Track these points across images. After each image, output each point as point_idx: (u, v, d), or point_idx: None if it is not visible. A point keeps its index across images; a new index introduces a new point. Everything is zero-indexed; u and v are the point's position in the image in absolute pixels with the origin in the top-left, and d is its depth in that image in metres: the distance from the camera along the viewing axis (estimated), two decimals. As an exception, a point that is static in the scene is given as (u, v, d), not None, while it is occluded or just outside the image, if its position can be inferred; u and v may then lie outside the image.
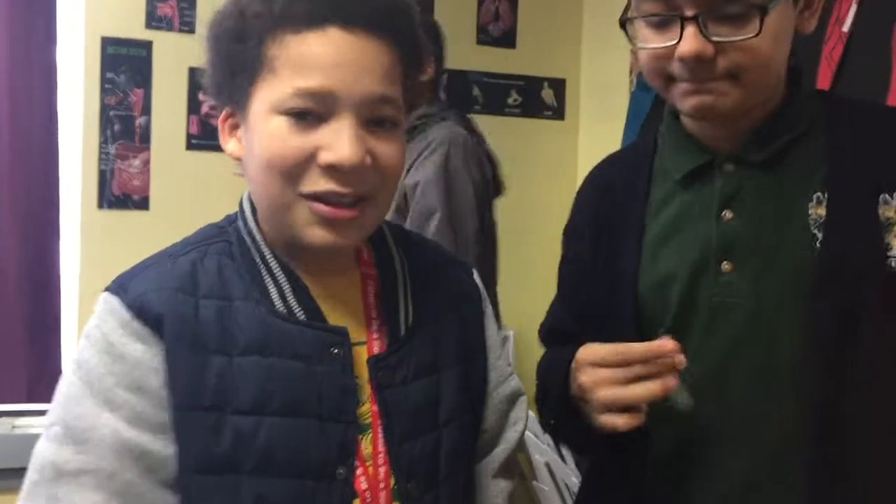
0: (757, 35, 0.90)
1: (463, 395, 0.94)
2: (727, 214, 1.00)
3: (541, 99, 3.48)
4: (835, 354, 0.92)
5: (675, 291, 1.00)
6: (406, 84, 0.89)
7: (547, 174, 3.42)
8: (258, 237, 0.89)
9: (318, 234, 0.84)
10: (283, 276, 0.87)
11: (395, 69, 0.87)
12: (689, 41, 0.92)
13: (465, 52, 3.30)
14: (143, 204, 3.04)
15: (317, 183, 0.83)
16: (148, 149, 3.05)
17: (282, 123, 0.83)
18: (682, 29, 0.92)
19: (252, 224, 0.90)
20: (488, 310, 1.03)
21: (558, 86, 3.49)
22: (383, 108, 0.85)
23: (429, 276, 0.98)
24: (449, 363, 0.94)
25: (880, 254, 0.93)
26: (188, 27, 3.06)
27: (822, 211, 0.97)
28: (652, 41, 0.96)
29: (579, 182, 1.20)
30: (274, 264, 0.88)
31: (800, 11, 0.97)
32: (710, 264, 0.99)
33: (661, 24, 0.95)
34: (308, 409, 0.83)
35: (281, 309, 0.86)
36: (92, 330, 0.84)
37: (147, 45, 3.03)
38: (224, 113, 0.90)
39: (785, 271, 0.96)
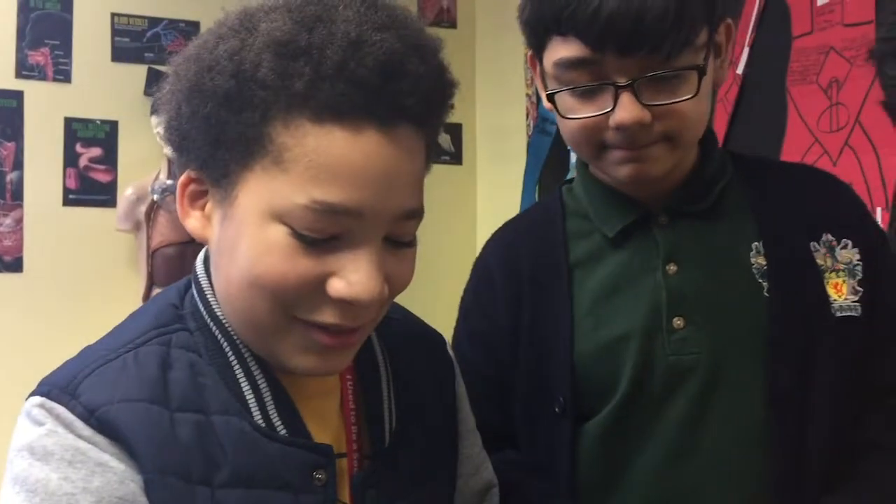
0: (694, 96, 0.88)
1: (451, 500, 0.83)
2: (672, 268, 0.96)
3: (437, 144, 3.44)
4: (795, 401, 0.91)
5: (630, 353, 0.94)
6: (428, 169, 0.74)
7: (446, 218, 3.38)
8: (230, 331, 0.72)
9: (309, 363, 0.70)
10: (262, 378, 0.72)
11: (425, 165, 0.72)
12: (626, 109, 0.87)
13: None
14: (15, 266, 2.87)
15: (321, 313, 0.67)
16: (21, 206, 2.88)
17: (285, 237, 0.65)
18: (616, 97, 0.87)
19: (219, 312, 0.72)
20: (461, 389, 0.90)
21: (455, 131, 3.47)
22: (409, 224, 0.69)
23: (407, 358, 0.84)
24: (438, 464, 0.82)
25: (824, 300, 0.93)
26: (63, 76, 2.90)
27: (762, 260, 0.95)
28: (581, 111, 0.91)
29: (479, 225, 1.13)
30: (252, 365, 0.72)
31: (713, 63, 0.95)
32: (661, 322, 0.94)
33: (589, 93, 0.90)
34: None
35: (260, 421, 0.70)
36: (35, 442, 0.64)
37: (18, 95, 2.87)
38: (186, 176, 0.71)
39: (738, 322, 0.94)
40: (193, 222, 0.71)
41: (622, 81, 0.87)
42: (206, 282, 0.74)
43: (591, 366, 0.96)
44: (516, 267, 1.03)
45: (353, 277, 0.65)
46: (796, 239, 0.95)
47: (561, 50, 0.89)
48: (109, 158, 2.98)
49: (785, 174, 1.02)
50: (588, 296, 0.98)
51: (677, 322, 0.94)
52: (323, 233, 0.65)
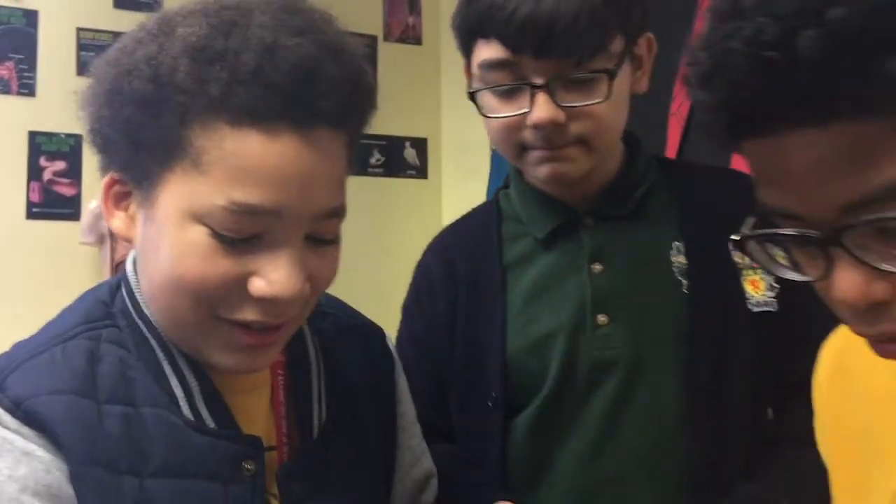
0: (606, 100, 0.92)
1: (383, 495, 0.85)
2: (597, 267, 1.00)
3: (403, 158, 3.49)
4: (711, 393, 0.96)
5: (557, 349, 0.99)
6: (350, 169, 0.75)
7: (411, 232, 3.41)
8: (157, 327, 0.73)
9: (233, 361, 0.71)
10: (189, 373, 0.73)
11: (347, 165, 0.73)
12: (541, 108, 0.92)
13: (325, 113, 3.27)
14: (-23, 279, 2.82)
15: (242, 311, 0.68)
16: (-17, 219, 2.86)
17: (205, 238, 0.66)
18: (533, 97, 0.93)
19: (146, 310, 0.74)
20: (401, 381, 0.91)
21: (420, 145, 3.51)
22: (330, 223, 0.71)
23: (342, 351, 0.85)
24: (372, 455, 0.83)
25: (740, 296, 0.98)
26: (27, 90, 2.89)
27: (682, 259, 1.00)
28: (501, 110, 0.96)
29: (445, 240, 1.17)
30: (180, 360, 0.73)
31: (634, 73, 1.00)
32: (586, 319, 0.99)
33: (509, 94, 0.95)
34: None
35: (188, 415, 0.72)
36: None
37: (-19, 109, 2.86)
38: (110, 177, 0.72)
39: (658, 318, 0.99)
40: (118, 223, 0.72)
41: (538, 82, 0.92)
42: (135, 280, 0.75)
43: (522, 361, 1.00)
44: (453, 269, 1.07)
45: (273, 276, 0.66)
46: (714, 238, 0.98)
47: (484, 52, 0.95)
48: (73, 172, 2.98)
49: (709, 177, 1.08)
50: (520, 295, 1.03)
51: (601, 319, 0.99)
52: (242, 233, 0.66)
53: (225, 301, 0.68)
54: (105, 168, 0.72)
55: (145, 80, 0.66)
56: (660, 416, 0.97)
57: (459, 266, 1.07)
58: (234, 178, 0.65)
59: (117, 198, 0.72)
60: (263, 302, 0.68)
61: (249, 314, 0.68)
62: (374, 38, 3.42)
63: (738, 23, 0.48)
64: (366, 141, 3.50)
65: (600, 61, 0.92)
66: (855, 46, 0.45)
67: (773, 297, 0.98)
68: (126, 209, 0.72)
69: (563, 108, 0.92)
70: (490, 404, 1.01)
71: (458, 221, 1.17)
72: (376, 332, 0.92)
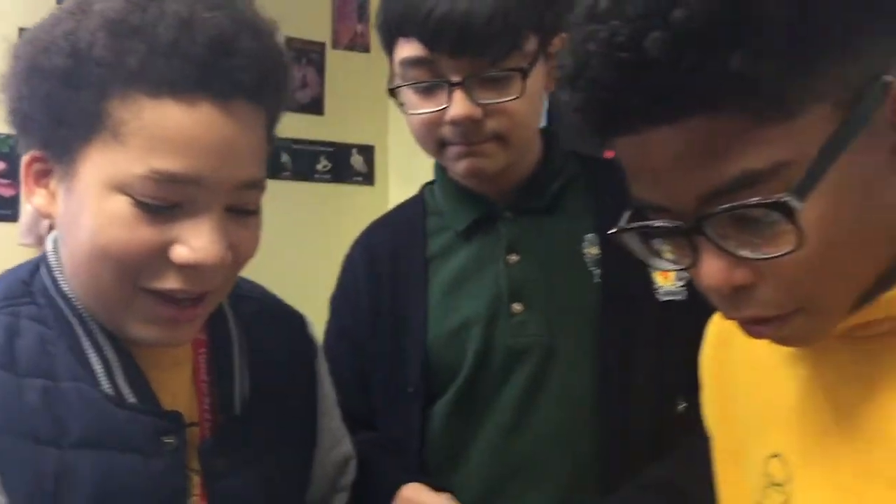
0: (519, 97, 0.97)
1: (302, 478, 0.88)
2: (513, 258, 1.05)
3: (350, 165, 3.50)
4: (620, 377, 1.00)
5: (474, 337, 1.03)
6: (270, 146, 0.77)
7: (358, 239, 3.43)
8: (77, 304, 0.74)
9: (153, 333, 0.73)
10: (110, 349, 0.74)
11: (266, 139, 0.75)
12: (459, 105, 0.96)
13: (272, 119, 3.27)
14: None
15: (165, 279, 0.69)
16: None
17: (126, 207, 0.67)
18: (451, 94, 0.96)
19: (66, 288, 0.75)
20: (322, 368, 0.94)
21: (367, 152, 3.53)
22: (250, 193, 0.73)
23: (263, 335, 0.87)
24: (292, 435, 0.86)
25: (650, 285, 1.03)
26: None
27: (595, 250, 1.05)
28: (421, 107, 1.00)
29: (392, 246, 1.20)
30: (100, 337, 0.74)
31: (548, 72, 1.03)
32: (502, 308, 1.03)
33: (428, 91, 0.99)
34: None
35: (108, 390, 0.73)
36: None
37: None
38: (30, 155, 0.72)
39: (571, 307, 1.04)
40: (39, 199, 0.73)
41: (455, 80, 0.96)
42: (54, 259, 0.76)
43: (441, 350, 1.05)
44: (377, 262, 1.12)
45: (195, 243, 0.68)
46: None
47: (404, 50, 0.99)
48: (12, 173, 2.92)
49: (622, 171, 1.12)
50: (440, 287, 1.07)
51: (516, 307, 1.03)
52: (163, 201, 0.67)
53: (148, 270, 0.69)
54: (25, 147, 0.73)
55: (64, 56, 0.67)
56: (571, 401, 1.01)
57: (383, 259, 1.11)
58: (153, 147, 0.66)
59: (38, 175, 0.73)
60: (186, 269, 0.69)
61: (172, 282, 0.69)
62: (321, 46, 3.43)
63: (595, 26, 0.52)
64: (312, 147, 3.51)
65: (514, 60, 0.96)
66: (698, 45, 0.48)
67: (682, 287, 1.02)
68: (47, 186, 0.73)
69: (479, 104, 0.96)
70: (410, 391, 1.05)
71: (384, 216, 1.21)
72: (297, 319, 0.94)
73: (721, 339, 0.77)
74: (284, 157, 3.35)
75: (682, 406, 1.00)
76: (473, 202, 1.08)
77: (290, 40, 3.37)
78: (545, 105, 1.07)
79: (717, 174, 0.52)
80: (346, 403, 1.01)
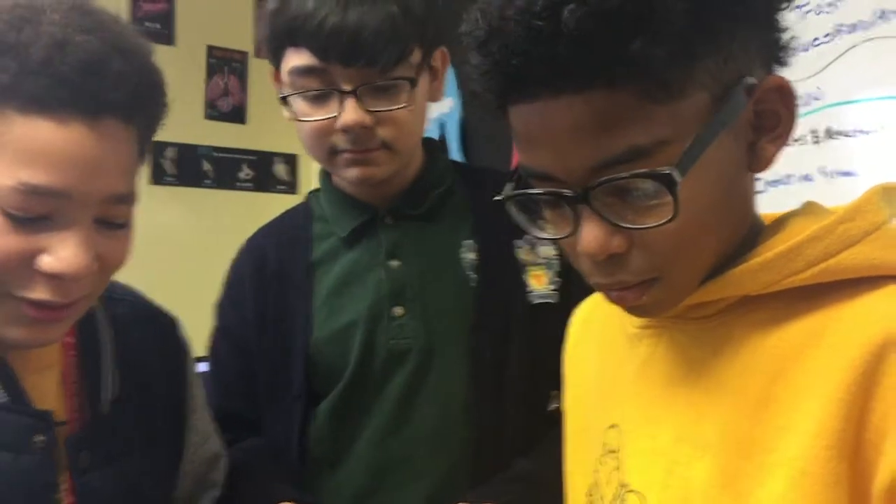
0: (408, 105, 1.02)
1: (169, 475, 0.91)
2: (394, 263, 1.09)
3: (273, 173, 3.51)
4: (493, 377, 1.05)
5: (356, 339, 1.07)
6: (142, 160, 0.80)
7: (282, 247, 3.43)
8: None
9: (20, 335, 0.74)
10: None
11: (138, 154, 0.78)
12: (350, 112, 1.00)
13: (193, 127, 3.26)
14: None
15: (31, 288, 0.72)
16: None
17: None
18: (342, 102, 1.00)
19: None
20: (191, 367, 0.98)
21: (290, 161, 3.54)
22: (119, 208, 0.76)
23: (135, 336, 0.91)
24: (160, 432, 0.89)
25: (523, 289, 1.08)
26: None
27: (472, 255, 1.10)
28: (312, 115, 1.03)
29: (312, 255, 1.23)
30: None
31: (431, 83, 1.10)
32: (384, 310, 1.08)
33: (319, 99, 1.03)
34: None
35: None
36: None
37: None
38: None
39: (449, 310, 1.08)
40: None
41: (346, 88, 1.00)
42: None
43: (324, 351, 1.09)
44: (263, 265, 1.15)
45: (61, 253, 0.71)
46: (502, 237, 1.09)
47: (294, 59, 1.02)
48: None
49: (500, 181, 1.15)
50: (324, 290, 1.11)
51: (397, 310, 1.07)
52: (31, 212, 0.70)
53: (13, 278, 0.71)
54: None
55: None
56: (448, 400, 1.06)
57: (269, 263, 1.15)
58: (22, 160, 0.69)
59: None
60: (52, 279, 0.72)
61: (39, 292, 0.72)
62: (244, 54, 3.43)
63: None
64: (234, 156, 3.49)
65: (402, 70, 1.01)
66: (609, 25, 0.54)
67: (555, 290, 1.08)
68: None
69: (370, 112, 1.01)
70: (294, 393, 1.08)
71: (271, 222, 1.23)
72: (169, 320, 0.99)
73: (579, 331, 0.84)
74: (206, 166, 3.34)
75: (553, 406, 1.05)
76: (356, 208, 1.13)
77: (212, 49, 3.37)
78: (458, 117, 1.13)
79: (607, 147, 0.57)
80: (230, 405, 1.05)
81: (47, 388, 0.82)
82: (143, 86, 0.75)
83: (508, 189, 0.65)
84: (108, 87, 0.71)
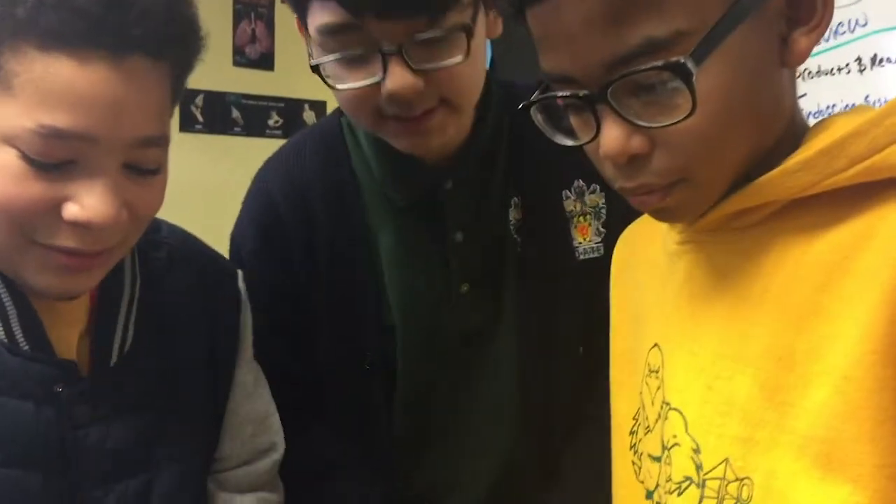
0: (466, 58, 0.83)
1: (197, 431, 0.85)
2: (459, 236, 0.98)
3: (302, 120, 3.49)
4: (541, 347, 0.99)
5: (421, 320, 0.98)
6: (175, 101, 0.75)
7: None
8: None
9: (51, 283, 0.71)
10: (8, 299, 0.73)
11: (170, 94, 0.73)
12: (397, 77, 0.81)
13: (222, 74, 3.25)
14: None
15: (58, 237, 0.68)
16: None
17: (15, 161, 0.66)
18: (386, 64, 0.81)
19: None
20: (247, 319, 0.92)
21: (319, 107, 3.52)
22: (150, 152, 0.71)
23: (171, 282, 0.85)
24: (190, 387, 0.84)
25: (570, 245, 1.00)
26: None
27: (518, 214, 1.00)
28: (350, 79, 0.84)
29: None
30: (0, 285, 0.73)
31: (487, 17, 0.90)
32: (452, 288, 0.99)
33: (357, 61, 0.84)
34: (34, 461, 0.72)
35: (2, 337, 0.72)
36: None
37: None
38: None
39: (504, 281, 1.00)
40: None
41: (389, 47, 0.81)
42: None
43: (388, 329, 0.99)
44: (310, 214, 1.00)
45: (86, 201, 0.67)
46: (549, 189, 1.00)
47: (321, 15, 0.83)
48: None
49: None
50: (386, 258, 0.99)
51: (464, 287, 0.99)
52: (54, 157, 0.66)
53: (39, 226, 0.68)
54: None
55: None
56: (504, 377, 1.00)
57: (317, 213, 0.99)
58: (42, 101, 0.64)
59: None
60: (78, 227, 0.68)
61: (65, 240, 0.68)
62: (270, 0, 3.40)
63: None
64: (263, 103, 3.48)
65: (453, 16, 0.82)
66: None
67: (600, 242, 1.01)
68: None
69: (419, 72, 0.82)
70: (368, 367, 1.00)
71: (298, 152, 1.04)
72: (224, 270, 0.92)
73: (622, 256, 0.82)
74: (235, 113, 3.34)
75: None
76: (413, 171, 0.96)
77: (238, -6, 3.35)
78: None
79: (622, 40, 0.56)
80: (280, 362, 0.95)
81: (72, 341, 0.78)
82: (172, 20, 0.70)
83: (534, 96, 0.63)
84: (133, 22, 0.66)
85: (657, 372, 0.70)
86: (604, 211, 1.02)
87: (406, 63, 0.81)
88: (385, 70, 0.82)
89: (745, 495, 0.59)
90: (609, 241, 0.99)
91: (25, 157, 0.65)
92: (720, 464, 0.61)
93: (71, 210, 0.67)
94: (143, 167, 0.71)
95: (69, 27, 0.64)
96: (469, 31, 0.84)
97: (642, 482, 0.71)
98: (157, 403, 0.80)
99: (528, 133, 0.93)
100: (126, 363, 0.79)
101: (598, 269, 0.91)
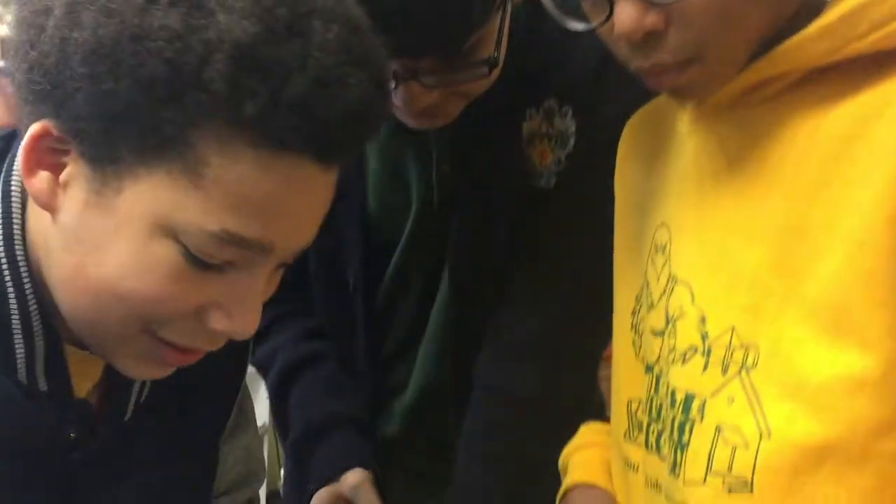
0: (489, 74, 0.80)
1: (203, 488, 0.79)
2: (445, 168, 0.96)
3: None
4: (474, 266, 0.98)
5: (401, 242, 1.00)
6: None
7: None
8: (25, 281, 0.61)
9: (142, 371, 0.64)
10: (41, 339, 0.62)
11: None
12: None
13: None
14: None
15: (184, 336, 0.59)
16: None
17: (175, 256, 0.55)
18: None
19: (22, 266, 0.61)
20: (248, 358, 0.84)
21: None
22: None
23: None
24: (192, 447, 0.76)
25: (513, 167, 0.95)
26: None
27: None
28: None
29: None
30: (36, 324, 0.62)
31: None
32: (430, 221, 0.99)
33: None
34: None
35: (23, 379, 0.62)
36: None
37: None
38: (43, 127, 0.56)
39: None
40: (40, 185, 0.57)
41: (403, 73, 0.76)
42: (19, 228, 0.61)
43: (376, 243, 1.01)
44: None
45: (238, 312, 0.58)
46: (514, 105, 0.94)
47: None
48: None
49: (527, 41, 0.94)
50: (370, 172, 1.00)
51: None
52: (218, 259, 0.56)
53: (170, 324, 0.59)
54: (38, 114, 0.56)
55: (160, 61, 0.51)
56: (442, 311, 1.02)
57: None
58: (236, 205, 0.54)
59: (49, 152, 0.57)
60: (217, 334, 0.60)
61: (192, 341, 0.60)
62: None
63: None
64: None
65: (477, 49, 0.79)
66: None
67: (554, 174, 0.95)
68: (55, 171, 0.57)
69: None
70: (351, 288, 1.02)
71: None
72: None
73: (629, 142, 0.81)
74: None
75: None
76: None
77: None
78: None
79: None
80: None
81: (84, 389, 0.68)
82: (375, 121, 0.60)
83: None
84: (361, 138, 0.58)
85: (664, 249, 0.70)
86: (571, 141, 0.94)
87: (421, 85, 0.79)
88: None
89: (750, 361, 0.60)
90: (565, 179, 0.94)
91: (188, 255, 0.55)
92: (726, 332, 0.62)
93: (219, 320, 0.58)
94: (286, 263, 0.62)
95: (300, 137, 0.54)
96: (494, 64, 0.82)
97: (642, 359, 0.72)
98: (167, 463, 0.73)
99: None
100: (139, 419, 0.70)
101: (544, 202, 0.93)
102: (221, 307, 0.58)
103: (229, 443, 0.83)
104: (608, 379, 0.80)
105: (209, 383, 0.74)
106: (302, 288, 1.07)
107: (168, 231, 0.55)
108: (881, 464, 0.55)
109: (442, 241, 0.99)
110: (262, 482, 0.92)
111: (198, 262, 0.56)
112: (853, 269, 0.55)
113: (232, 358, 0.75)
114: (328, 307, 1.08)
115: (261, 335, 1.11)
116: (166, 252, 0.55)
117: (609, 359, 0.82)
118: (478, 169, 0.96)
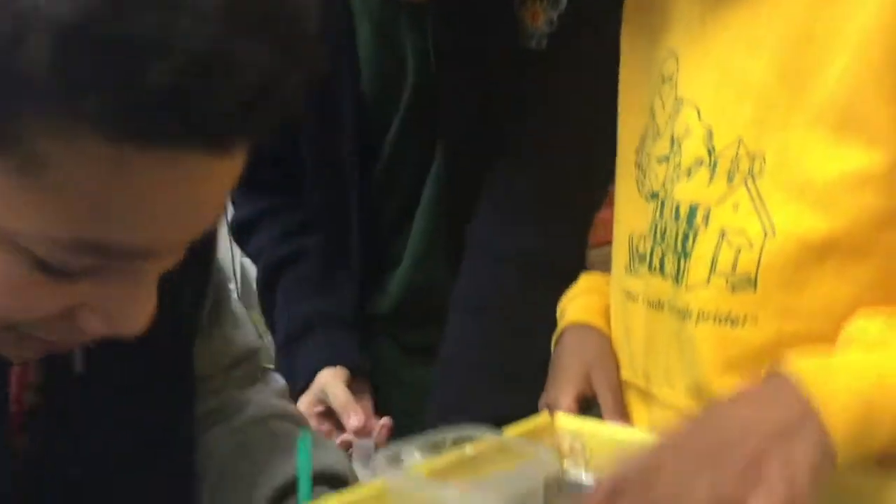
0: None
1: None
2: (440, 36, 0.95)
3: None
4: (467, 128, 0.99)
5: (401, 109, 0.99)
6: None
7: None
8: None
9: (19, 357, 0.55)
10: None
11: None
12: None
13: None
14: None
15: (59, 333, 0.49)
16: None
17: (16, 267, 0.44)
18: None
19: None
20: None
21: None
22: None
23: None
24: (159, 357, 0.66)
25: (510, 29, 0.94)
26: None
27: None
28: None
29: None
30: None
31: None
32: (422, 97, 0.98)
33: None
34: None
35: None
36: None
37: None
38: None
39: None
40: None
41: None
42: None
43: (371, 110, 1.00)
44: None
45: (118, 314, 0.48)
46: None
47: None
48: None
49: None
50: (364, 43, 0.99)
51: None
52: (78, 267, 0.45)
53: (33, 327, 0.49)
54: None
55: None
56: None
57: None
58: (91, 208, 0.43)
59: None
60: (96, 333, 0.49)
61: (66, 336, 0.50)
62: None
63: None
64: None
65: None
66: None
67: (548, 33, 0.95)
68: None
69: None
70: (345, 158, 1.01)
71: None
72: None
73: None
74: None
75: None
76: None
77: None
78: None
79: None
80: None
81: None
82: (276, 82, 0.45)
83: None
84: (266, 115, 0.43)
85: (671, 78, 0.70)
86: (564, 1, 0.94)
87: None
88: None
89: (756, 169, 0.61)
90: (557, 40, 0.94)
91: (38, 263, 0.44)
92: (733, 143, 0.63)
93: (93, 324, 0.48)
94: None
95: (173, 125, 0.40)
96: None
97: (647, 190, 0.72)
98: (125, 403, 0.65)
99: None
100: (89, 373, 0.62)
101: (534, 64, 0.92)
102: (96, 310, 0.47)
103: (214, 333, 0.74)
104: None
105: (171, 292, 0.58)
106: (291, 172, 1.07)
107: (4, 238, 0.44)
108: (882, 256, 0.57)
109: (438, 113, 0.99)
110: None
111: (52, 270, 0.45)
112: (860, 67, 0.56)
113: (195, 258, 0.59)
114: (321, 186, 1.07)
115: (250, 227, 1.11)
116: (11, 262, 0.44)
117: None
118: (469, 32, 0.95)
